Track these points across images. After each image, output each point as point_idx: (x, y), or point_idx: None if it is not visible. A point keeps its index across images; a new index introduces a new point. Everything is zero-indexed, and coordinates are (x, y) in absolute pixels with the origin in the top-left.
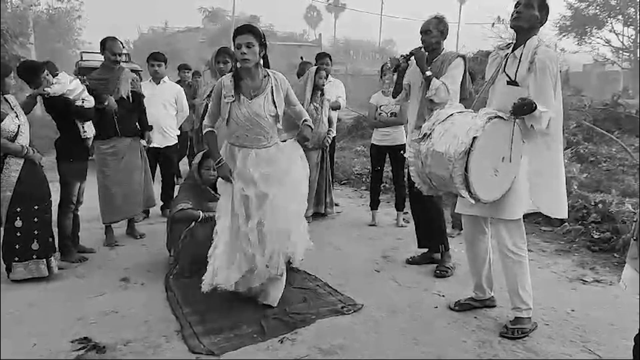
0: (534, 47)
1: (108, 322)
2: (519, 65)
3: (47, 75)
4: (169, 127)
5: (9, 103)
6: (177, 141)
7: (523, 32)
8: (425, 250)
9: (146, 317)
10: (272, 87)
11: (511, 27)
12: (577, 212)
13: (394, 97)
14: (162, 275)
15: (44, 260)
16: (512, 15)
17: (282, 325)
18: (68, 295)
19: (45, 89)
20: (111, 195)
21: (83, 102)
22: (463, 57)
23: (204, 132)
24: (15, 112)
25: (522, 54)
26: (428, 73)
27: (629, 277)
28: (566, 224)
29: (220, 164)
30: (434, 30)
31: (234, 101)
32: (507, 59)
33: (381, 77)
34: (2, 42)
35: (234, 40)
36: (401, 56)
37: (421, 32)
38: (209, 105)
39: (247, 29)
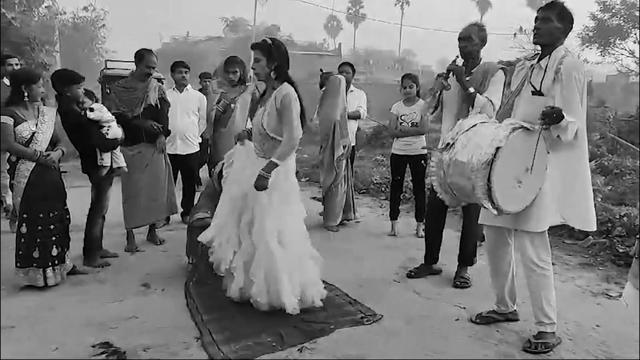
0: (560, 58)
1: (128, 327)
2: (544, 75)
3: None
4: (191, 135)
5: (38, 110)
6: (198, 149)
7: (549, 45)
8: (422, 261)
9: (166, 324)
10: (272, 100)
11: (534, 44)
12: (601, 226)
13: (432, 113)
14: (182, 281)
15: (41, 270)
16: (533, 31)
17: (301, 334)
18: (89, 300)
19: (89, 113)
20: (135, 201)
21: (108, 129)
22: (504, 69)
23: None
24: (37, 121)
25: (547, 64)
26: (471, 90)
27: (631, 294)
28: (590, 237)
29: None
30: (475, 38)
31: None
32: (532, 70)
33: (402, 87)
34: (29, 49)
35: None
36: (440, 76)
37: (461, 39)
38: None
39: (255, 45)
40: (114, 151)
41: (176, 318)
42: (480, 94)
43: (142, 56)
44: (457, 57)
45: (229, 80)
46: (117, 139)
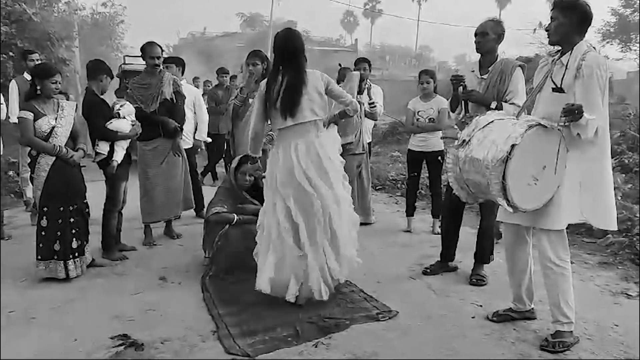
0: (582, 53)
1: (146, 320)
2: (565, 71)
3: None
4: (185, 131)
5: (58, 104)
6: (191, 145)
7: (563, 43)
8: (438, 258)
9: (183, 317)
10: None
11: (549, 44)
12: (621, 224)
13: (452, 111)
14: (199, 275)
15: (62, 262)
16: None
17: (317, 329)
18: (108, 292)
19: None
20: (152, 196)
21: (118, 116)
22: (522, 67)
23: None
24: (56, 115)
25: (569, 60)
26: (493, 105)
27: None
28: (609, 235)
29: None
30: (491, 33)
31: None
32: (554, 66)
33: (419, 83)
34: (49, 45)
35: None
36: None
37: (476, 34)
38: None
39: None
40: (117, 144)
41: (193, 311)
42: (499, 95)
43: (144, 50)
44: (458, 79)
45: (249, 72)
46: (117, 132)
